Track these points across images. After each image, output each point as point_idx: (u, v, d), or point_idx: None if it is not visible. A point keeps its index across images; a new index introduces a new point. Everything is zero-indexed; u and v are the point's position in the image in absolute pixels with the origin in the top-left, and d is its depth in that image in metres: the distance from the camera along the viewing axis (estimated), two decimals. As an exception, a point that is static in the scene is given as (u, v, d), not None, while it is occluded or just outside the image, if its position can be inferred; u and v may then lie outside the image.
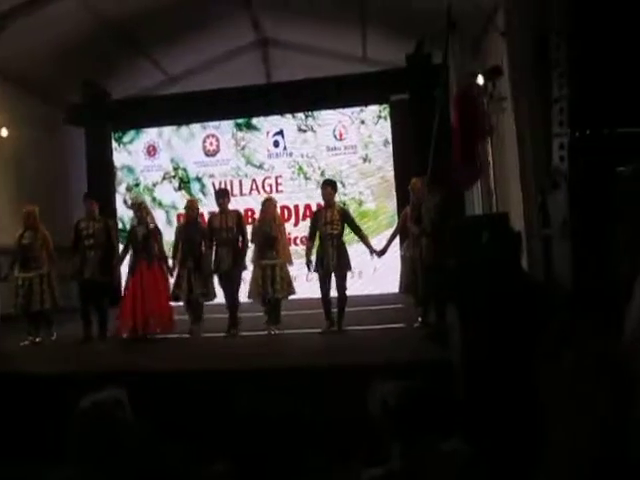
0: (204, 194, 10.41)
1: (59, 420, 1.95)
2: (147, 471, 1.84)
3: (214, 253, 6.60)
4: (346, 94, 9.40)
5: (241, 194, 10.27)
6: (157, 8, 8.44)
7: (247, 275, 6.78)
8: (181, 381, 4.52)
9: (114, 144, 10.74)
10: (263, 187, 10.21)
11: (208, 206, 10.16)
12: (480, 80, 6.30)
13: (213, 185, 10.34)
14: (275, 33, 10.49)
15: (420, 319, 6.32)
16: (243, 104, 9.89)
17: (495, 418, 3.06)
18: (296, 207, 9.95)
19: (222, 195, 6.92)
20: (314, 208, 9.62)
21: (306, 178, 10.09)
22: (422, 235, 6.03)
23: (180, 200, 10.41)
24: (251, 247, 6.71)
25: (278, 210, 7.36)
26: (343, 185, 9.83)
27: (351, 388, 3.88)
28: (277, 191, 10.13)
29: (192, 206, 7.00)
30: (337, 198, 9.41)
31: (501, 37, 6.12)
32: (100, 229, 6.64)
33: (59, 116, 10.14)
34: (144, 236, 6.52)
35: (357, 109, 9.91)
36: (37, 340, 6.44)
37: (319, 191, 9.40)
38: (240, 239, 6.63)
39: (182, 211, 10.11)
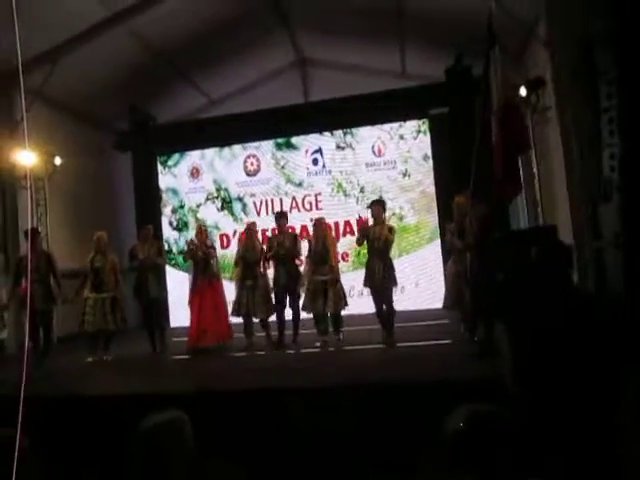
0: (246, 213, 10.54)
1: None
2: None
3: (274, 271, 6.98)
4: (385, 110, 9.40)
5: (282, 212, 10.34)
6: (198, 34, 8.66)
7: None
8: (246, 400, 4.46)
9: (159, 167, 11.02)
10: (303, 205, 10.27)
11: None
12: (523, 91, 6.21)
13: (254, 204, 10.49)
14: (313, 53, 10.65)
15: (467, 334, 6.26)
16: (282, 124, 10.02)
17: (558, 442, 2.94)
18: (336, 224, 9.91)
19: (281, 217, 7.28)
20: (354, 225, 9.75)
21: (345, 195, 10.10)
22: (466, 250, 5.93)
23: (223, 220, 10.62)
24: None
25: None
26: (383, 200, 9.85)
27: (408, 406, 3.85)
28: (317, 208, 10.18)
29: (251, 228, 7.30)
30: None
31: (543, 47, 6.02)
32: (154, 252, 7.12)
33: (108, 142, 10.49)
34: (205, 255, 6.97)
35: (396, 125, 9.89)
36: (106, 358, 6.83)
37: (358, 207, 9.67)
38: (297, 257, 7.09)
39: (225, 231, 10.43)
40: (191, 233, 10.44)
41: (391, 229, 6.66)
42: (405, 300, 9.13)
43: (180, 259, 10.38)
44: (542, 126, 6.89)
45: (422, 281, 9.48)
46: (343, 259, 9.50)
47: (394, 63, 10.00)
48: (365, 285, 6.67)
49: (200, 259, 6.99)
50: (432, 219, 9.64)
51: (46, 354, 6.47)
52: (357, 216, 8.58)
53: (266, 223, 10.27)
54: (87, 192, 9.76)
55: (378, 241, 6.49)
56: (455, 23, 7.53)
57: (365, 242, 6.60)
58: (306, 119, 9.95)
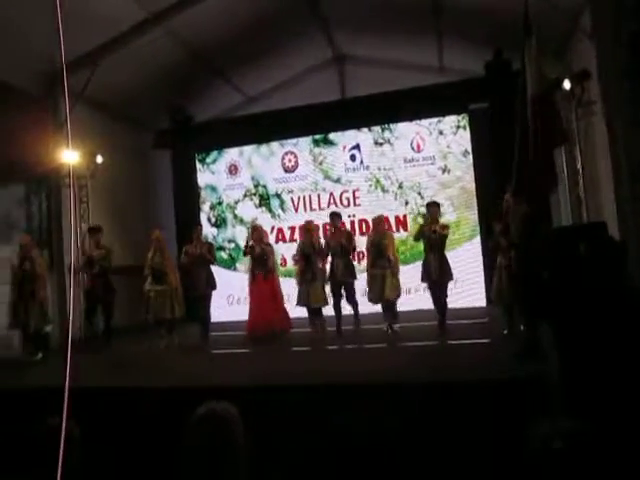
0: (283, 210, 10.59)
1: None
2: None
3: (330, 265, 7.48)
4: (423, 105, 9.29)
5: (320, 208, 10.32)
6: (235, 33, 8.70)
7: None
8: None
9: (198, 165, 11.14)
10: (341, 201, 10.23)
11: (288, 221, 10.41)
12: (567, 84, 6.01)
13: (292, 201, 10.52)
14: (350, 49, 10.57)
15: (505, 331, 6.34)
16: (320, 120, 10.01)
17: (612, 449, 2.82)
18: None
19: (337, 217, 7.81)
20: (392, 221, 9.70)
21: (384, 191, 10.02)
22: (510, 247, 5.80)
23: (261, 216, 10.66)
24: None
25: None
26: (421, 197, 9.74)
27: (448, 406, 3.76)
28: (355, 204, 10.14)
29: (309, 227, 7.76)
30: (416, 210, 9.45)
31: (588, 39, 5.81)
32: (205, 250, 7.76)
33: (148, 141, 10.68)
34: (260, 253, 7.55)
35: (435, 120, 9.75)
36: (175, 342, 7.52)
37: (396, 203, 9.56)
38: (352, 252, 7.60)
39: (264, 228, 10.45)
40: (229, 230, 10.57)
41: (446, 226, 7.10)
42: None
43: (220, 255, 10.44)
44: (587, 120, 6.66)
45: (462, 278, 9.30)
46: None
47: (432, 58, 9.85)
48: (423, 280, 7.11)
49: (257, 255, 7.55)
50: (472, 216, 9.47)
51: (108, 342, 7.43)
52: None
53: (303, 219, 10.28)
54: (128, 189, 9.98)
55: (434, 237, 6.82)
56: (494, 16, 7.35)
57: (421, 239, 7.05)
58: (344, 115, 9.93)
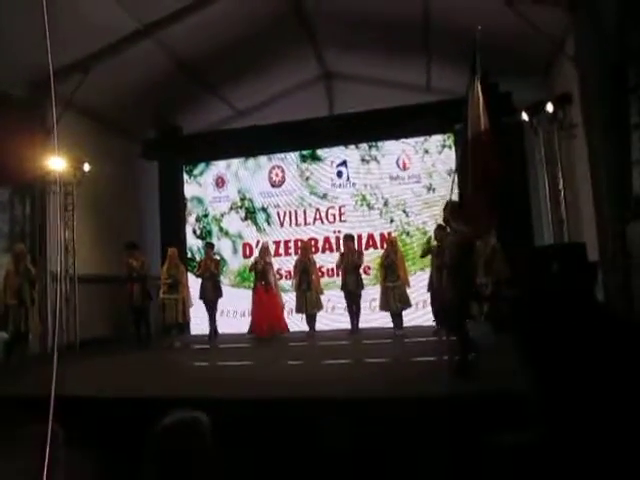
0: (269, 224, 10.62)
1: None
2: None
3: (342, 278, 9.00)
4: (410, 124, 9.38)
5: (305, 223, 10.41)
6: (225, 47, 8.76)
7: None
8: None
9: (185, 176, 11.17)
10: (327, 217, 10.30)
11: (271, 235, 10.45)
12: (550, 107, 6.14)
13: (278, 215, 10.56)
14: (338, 66, 10.69)
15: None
16: (308, 136, 10.08)
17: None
18: (359, 237, 9.89)
19: (350, 239, 9.13)
20: (377, 238, 9.87)
21: (369, 208, 10.10)
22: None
23: (246, 230, 10.70)
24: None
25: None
26: (407, 215, 9.84)
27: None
28: (340, 220, 10.21)
29: (307, 247, 9.41)
30: (400, 228, 9.54)
31: (572, 63, 5.95)
32: (214, 265, 9.26)
33: (135, 151, 10.67)
34: (263, 268, 8.81)
35: (421, 139, 9.90)
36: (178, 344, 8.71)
37: (382, 221, 9.64)
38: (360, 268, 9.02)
39: (248, 241, 10.53)
40: (215, 242, 10.54)
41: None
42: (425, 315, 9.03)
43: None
44: (568, 142, 6.79)
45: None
46: (365, 272, 9.52)
47: (420, 77, 9.99)
48: (429, 290, 8.17)
49: (259, 271, 8.82)
50: (455, 234, 9.54)
51: (148, 343, 8.65)
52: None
53: (289, 234, 10.44)
54: (114, 198, 9.95)
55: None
56: (481, 39, 7.48)
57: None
58: (331, 132, 9.93)
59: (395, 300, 8.42)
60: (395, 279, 8.44)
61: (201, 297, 9.32)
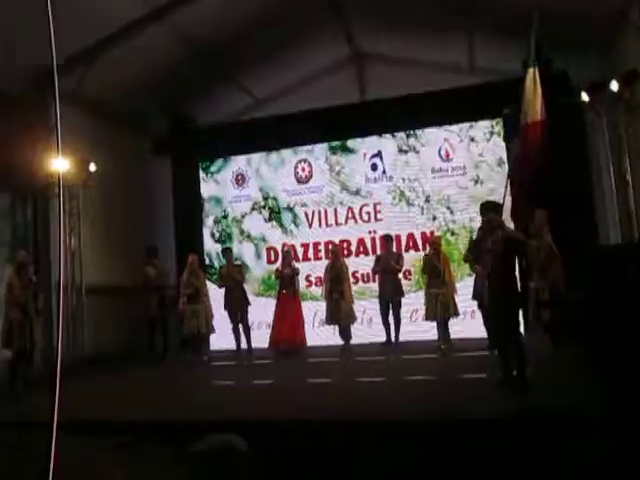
0: (296, 225, 10.68)
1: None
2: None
3: (379, 284, 9.21)
4: (453, 109, 9.33)
5: (336, 224, 10.44)
6: (243, 28, 8.85)
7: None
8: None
9: (201, 174, 11.31)
10: (360, 216, 10.32)
11: (299, 238, 10.56)
12: (614, 86, 6.04)
13: (306, 214, 10.62)
14: (371, 46, 10.70)
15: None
16: (337, 125, 10.11)
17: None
18: (397, 237, 9.85)
19: (389, 240, 9.29)
20: (418, 237, 9.83)
21: (408, 204, 10.08)
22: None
23: (270, 232, 10.79)
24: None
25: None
26: (451, 211, 9.81)
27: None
28: (376, 219, 10.22)
29: (338, 250, 9.59)
30: (444, 226, 9.48)
31: (638, 34, 5.85)
32: (237, 272, 9.57)
33: (146, 147, 10.88)
34: (290, 275, 9.26)
35: (466, 125, 9.84)
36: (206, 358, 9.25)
37: (423, 219, 9.78)
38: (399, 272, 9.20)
39: (272, 244, 10.62)
40: (235, 246, 10.66)
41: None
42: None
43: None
44: (636, 126, 6.66)
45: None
46: (405, 277, 9.54)
47: (462, 57, 9.92)
48: (474, 298, 7.97)
49: (285, 278, 9.24)
50: (507, 233, 9.45)
51: (164, 356, 9.22)
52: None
53: (318, 236, 10.49)
54: (123, 201, 10.18)
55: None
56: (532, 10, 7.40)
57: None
58: (364, 120, 10.00)
59: (440, 309, 8.38)
60: (440, 285, 8.43)
61: (226, 308, 9.53)
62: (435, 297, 8.41)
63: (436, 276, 8.43)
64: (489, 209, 5.93)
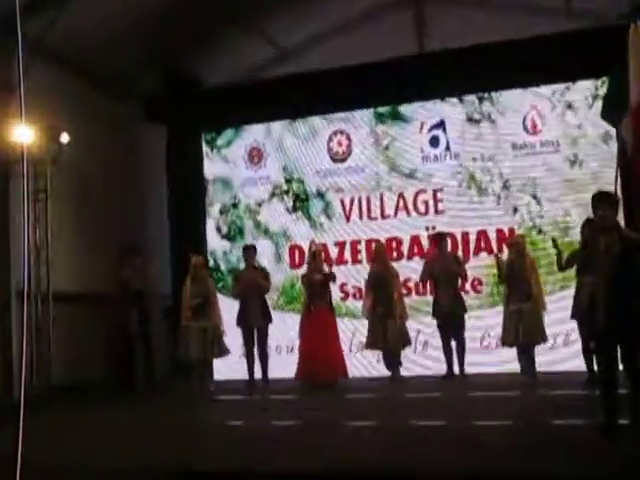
0: (329, 217, 10.57)
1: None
2: None
3: (434, 295, 9.14)
4: (543, 64, 9.12)
5: (383, 216, 10.32)
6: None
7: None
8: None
9: (205, 148, 11.27)
10: (415, 206, 10.15)
11: (335, 233, 10.48)
12: None
13: (342, 203, 10.49)
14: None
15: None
16: (386, 85, 9.96)
17: None
18: (465, 235, 9.75)
19: (443, 238, 9.25)
20: (492, 237, 9.70)
21: (480, 192, 9.88)
22: None
23: (295, 226, 10.71)
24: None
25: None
26: (538, 202, 9.64)
27: None
28: (436, 212, 10.08)
29: (381, 250, 9.47)
30: (528, 221, 9.30)
31: None
32: (260, 277, 9.52)
33: (134, 114, 10.86)
34: (321, 282, 9.08)
35: (560, 86, 9.67)
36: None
37: (499, 211, 9.68)
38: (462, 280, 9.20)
39: (297, 242, 10.55)
40: (249, 243, 10.57)
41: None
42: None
43: (230, 280, 10.61)
44: None
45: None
46: (474, 289, 9.50)
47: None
48: (573, 317, 7.88)
49: (316, 286, 9.08)
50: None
51: (147, 385, 9.34)
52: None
53: (358, 232, 10.41)
54: (104, 182, 10.10)
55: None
56: None
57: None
58: (422, 78, 9.83)
59: (523, 331, 8.18)
60: (523, 299, 8.25)
61: (240, 323, 9.54)
62: (516, 315, 8.23)
63: (518, 288, 8.27)
64: (604, 203, 5.75)
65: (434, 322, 9.19)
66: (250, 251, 9.80)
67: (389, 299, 8.96)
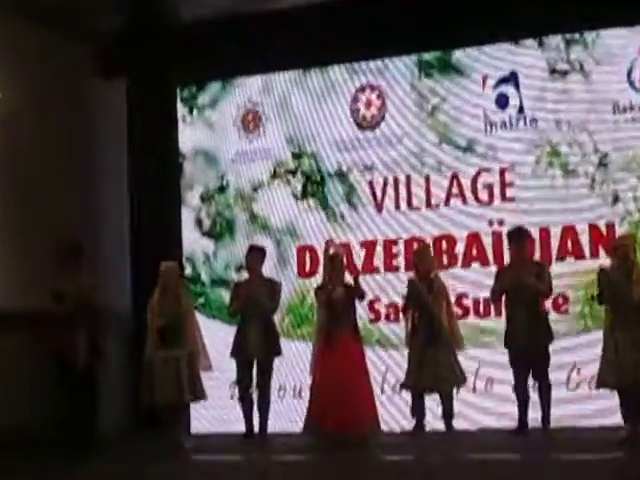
0: (353, 206, 10.45)
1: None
2: None
3: (507, 318, 8.98)
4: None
5: (428, 205, 10.22)
6: None
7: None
8: None
9: (181, 110, 11.30)
10: (474, 190, 10.04)
11: (357, 230, 10.39)
12: None
13: (371, 186, 10.43)
14: None
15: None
16: (431, 23, 9.91)
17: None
18: (544, 232, 9.69)
19: (521, 236, 8.97)
20: (584, 234, 9.71)
21: (566, 172, 9.74)
22: None
23: (305, 218, 10.66)
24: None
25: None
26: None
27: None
28: (504, 199, 9.95)
29: (426, 254, 9.35)
30: (635, 214, 9.57)
31: None
32: (265, 292, 9.62)
33: (84, 61, 10.85)
34: (343, 299, 8.85)
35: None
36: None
37: (593, 199, 9.87)
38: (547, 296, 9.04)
39: (308, 241, 10.64)
40: (239, 243, 10.58)
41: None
42: None
43: (214, 294, 10.92)
44: None
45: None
46: (557, 308, 9.44)
47: None
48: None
49: (336, 304, 8.80)
50: None
51: (89, 443, 8.84)
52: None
53: (394, 228, 10.41)
54: (44, 157, 10.18)
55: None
56: None
57: None
58: (482, 14, 9.67)
59: (634, 367, 7.72)
60: (633, 324, 7.85)
61: (235, 353, 9.63)
62: (623, 346, 7.90)
63: (625, 308, 7.91)
64: None
65: (503, 352, 9.01)
66: (255, 254, 9.87)
67: (437, 321, 8.78)
